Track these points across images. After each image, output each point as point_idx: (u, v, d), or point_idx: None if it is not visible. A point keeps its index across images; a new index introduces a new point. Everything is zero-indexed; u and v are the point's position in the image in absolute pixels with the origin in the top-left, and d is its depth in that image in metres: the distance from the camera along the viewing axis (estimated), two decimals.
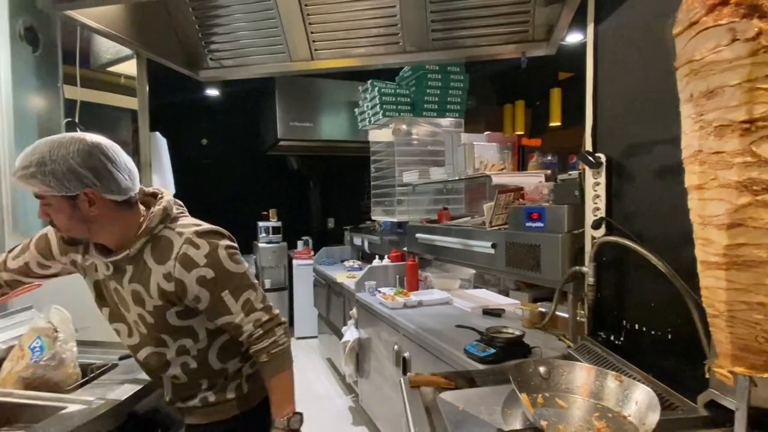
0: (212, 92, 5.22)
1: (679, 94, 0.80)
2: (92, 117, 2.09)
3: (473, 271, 2.92)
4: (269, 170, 5.63)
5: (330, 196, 5.79)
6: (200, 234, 1.11)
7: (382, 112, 3.23)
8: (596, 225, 1.48)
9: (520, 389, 1.05)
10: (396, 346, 2.30)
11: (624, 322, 1.42)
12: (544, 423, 0.99)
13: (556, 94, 4.63)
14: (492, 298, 2.66)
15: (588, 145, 1.52)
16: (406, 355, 2.18)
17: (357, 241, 4.36)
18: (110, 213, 1.06)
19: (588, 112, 1.53)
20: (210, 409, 1.20)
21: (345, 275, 3.66)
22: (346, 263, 4.14)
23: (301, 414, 1.13)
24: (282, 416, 1.12)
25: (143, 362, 1.19)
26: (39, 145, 1.00)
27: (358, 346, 2.93)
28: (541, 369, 1.14)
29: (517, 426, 1.02)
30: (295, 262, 5.05)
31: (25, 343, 1.33)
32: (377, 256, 3.41)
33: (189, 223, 1.14)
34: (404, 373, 2.20)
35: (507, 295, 2.69)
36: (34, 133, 1.91)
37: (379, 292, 2.80)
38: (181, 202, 1.21)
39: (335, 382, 3.72)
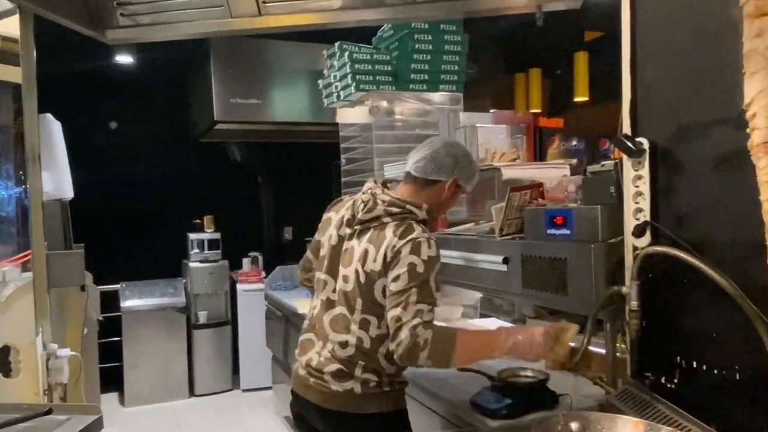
0: (124, 59, 5.13)
1: (744, 46, 0.80)
2: None
3: (479, 295, 2.93)
4: (203, 163, 5.58)
5: (286, 197, 5.76)
6: (434, 240, 1.78)
7: (354, 84, 3.21)
8: (639, 231, 1.49)
9: None
10: None
11: (678, 358, 1.43)
12: None
13: (581, 60, 4.72)
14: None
15: (626, 127, 1.54)
16: None
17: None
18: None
19: (625, 82, 1.54)
20: (367, 397, 1.77)
21: (309, 303, 3.63)
22: None
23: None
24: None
25: (326, 321, 1.85)
26: None
27: None
28: (574, 425, 1.14)
29: None
30: (239, 287, 5.02)
31: None
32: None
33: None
34: None
35: (524, 324, 2.69)
36: None
37: None
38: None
39: None
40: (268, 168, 5.66)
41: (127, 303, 4.75)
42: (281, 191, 5.75)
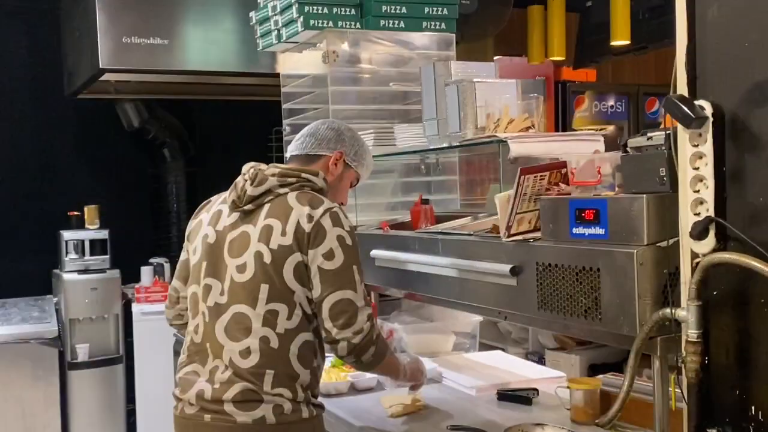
0: None
1: None
2: None
3: (478, 319, 2.95)
4: (84, 131, 5.50)
5: (205, 179, 5.70)
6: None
7: (302, 20, 3.18)
8: (700, 232, 1.49)
9: None
10: None
11: (753, 409, 1.44)
12: None
13: None
14: (514, 367, 2.69)
15: (680, 85, 1.54)
16: None
17: None
18: None
19: (679, 19, 1.54)
20: (282, 428, 1.98)
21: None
22: None
23: None
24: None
25: (218, 331, 2.06)
26: None
27: None
28: None
29: None
30: (135, 308, 4.97)
31: None
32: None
33: None
34: None
35: (542, 360, 2.74)
36: None
37: None
38: None
39: None
40: (178, 137, 5.60)
41: None
42: (198, 171, 5.71)
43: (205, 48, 4.45)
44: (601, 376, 2.29)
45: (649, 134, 1.78)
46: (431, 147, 2.74)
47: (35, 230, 5.16)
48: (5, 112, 5.30)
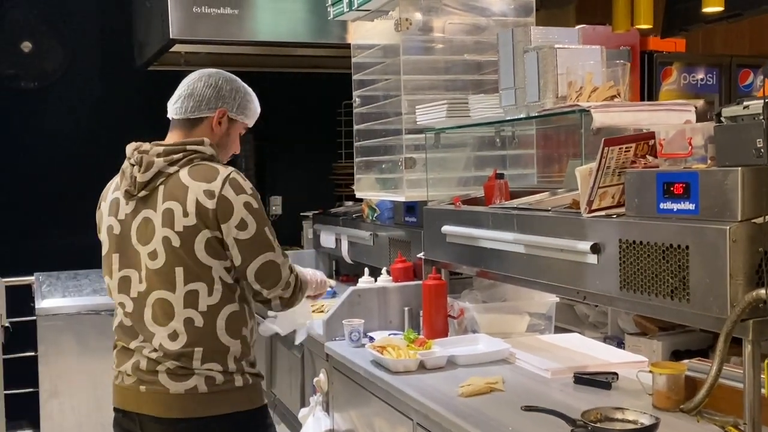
0: None
1: None
2: None
3: (554, 299, 2.94)
4: (154, 103, 5.52)
5: (274, 153, 5.81)
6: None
7: None
8: None
9: None
10: None
11: None
12: None
13: None
14: (592, 350, 2.66)
15: None
16: None
17: (327, 240, 4.39)
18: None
19: None
20: (215, 396, 2.13)
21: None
22: None
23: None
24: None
25: (146, 319, 2.16)
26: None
27: None
28: None
29: None
30: None
31: None
32: (366, 270, 3.44)
33: None
34: None
35: (621, 346, 2.70)
36: None
37: (370, 339, 2.82)
38: None
39: None
40: None
41: (44, 303, 4.81)
42: (266, 145, 5.77)
43: (275, 18, 4.46)
44: (686, 361, 2.24)
45: (745, 103, 1.73)
46: (507, 118, 2.71)
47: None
48: (77, 84, 5.44)
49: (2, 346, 3.64)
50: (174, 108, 2.33)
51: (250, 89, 2.43)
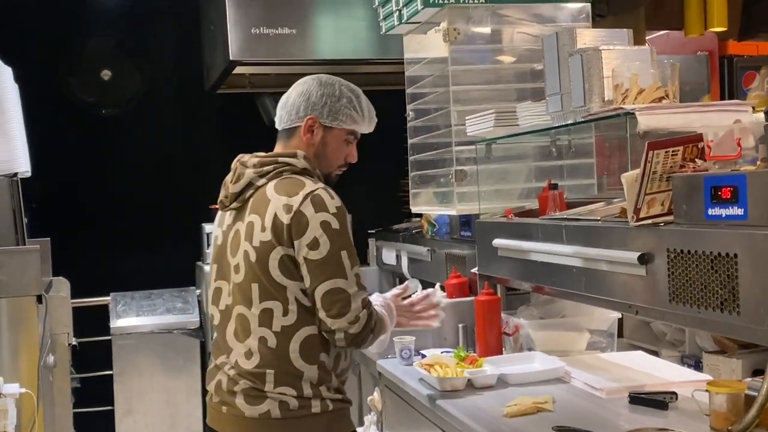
0: None
1: None
2: None
3: (616, 315, 2.86)
4: (224, 125, 5.73)
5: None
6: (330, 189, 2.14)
7: None
8: None
9: None
10: None
11: None
12: None
13: None
14: (653, 368, 2.59)
15: None
16: None
17: (388, 256, 4.46)
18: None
19: None
20: (289, 423, 2.06)
21: None
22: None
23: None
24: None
25: (228, 333, 2.16)
26: None
27: None
28: None
29: None
30: None
31: None
32: (419, 286, 3.50)
33: None
34: None
35: (698, 365, 2.64)
36: None
37: (422, 357, 2.82)
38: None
39: None
40: None
41: (119, 322, 4.98)
42: None
43: (334, 36, 4.52)
44: (748, 379, 2.13)
45: None
46: (554, 125, 2.66)
47: (180, 224, 5.35)
48: (153, 109, 5.62)
49: (73, 365, 3.76)
50: (276, 119, 2.32)
51: (352, 92, 2.30)
